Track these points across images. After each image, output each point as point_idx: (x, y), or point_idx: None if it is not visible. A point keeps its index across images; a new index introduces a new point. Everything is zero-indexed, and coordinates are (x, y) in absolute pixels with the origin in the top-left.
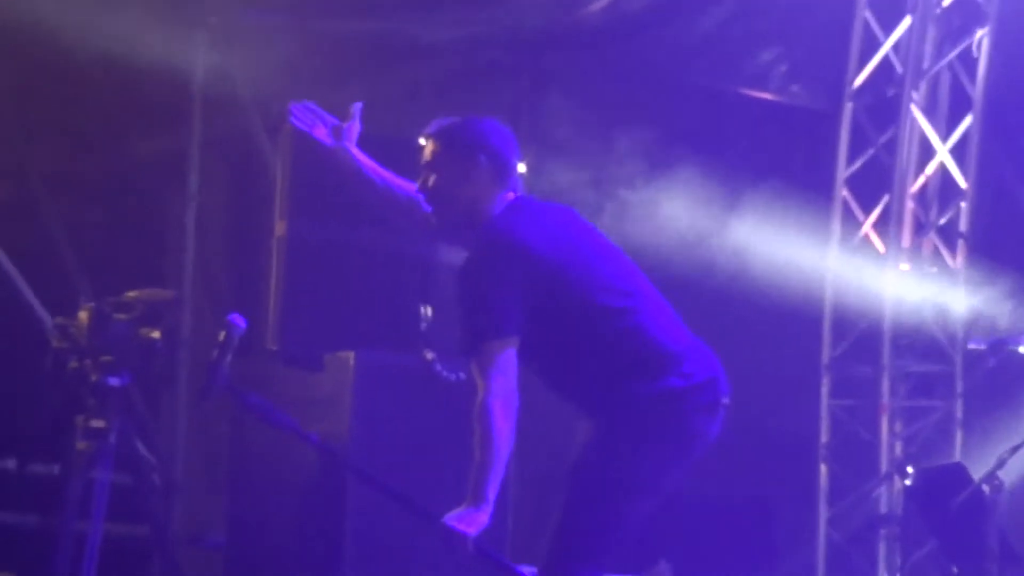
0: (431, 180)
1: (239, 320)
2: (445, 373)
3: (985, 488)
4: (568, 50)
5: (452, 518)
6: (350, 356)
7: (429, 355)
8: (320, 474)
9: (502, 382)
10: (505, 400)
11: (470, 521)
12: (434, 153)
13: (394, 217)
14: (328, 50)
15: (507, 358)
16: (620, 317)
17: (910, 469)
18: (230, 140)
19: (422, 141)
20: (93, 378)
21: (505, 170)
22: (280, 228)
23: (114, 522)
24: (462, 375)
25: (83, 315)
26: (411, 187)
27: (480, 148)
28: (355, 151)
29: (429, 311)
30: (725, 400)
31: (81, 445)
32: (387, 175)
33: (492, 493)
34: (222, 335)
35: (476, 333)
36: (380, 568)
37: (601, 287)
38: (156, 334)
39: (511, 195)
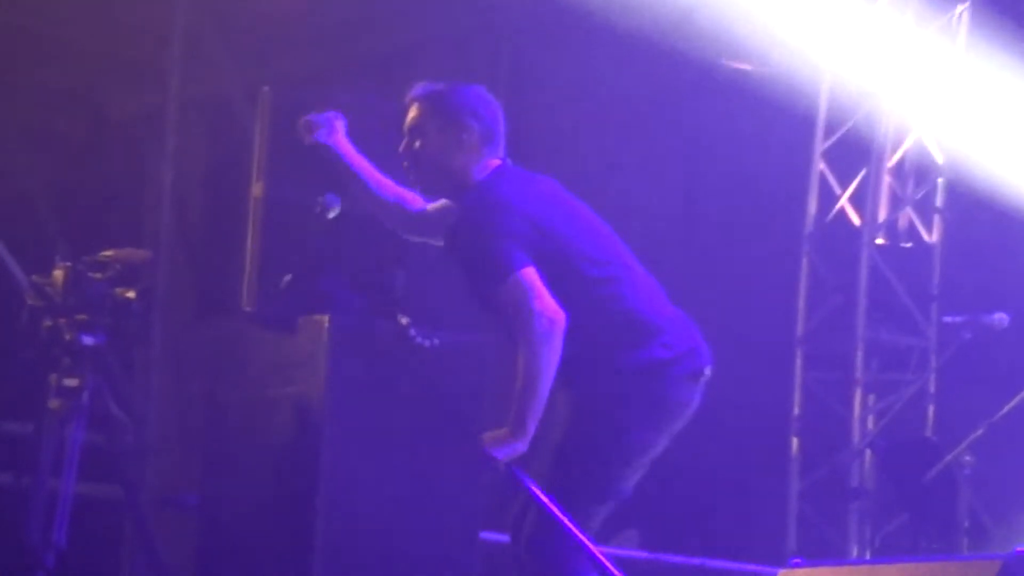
0: (416, 144)
1: (334, 199)
2: (420, 339)
3: (956, 463)
4: (547, 16)
5: (490, 441)
6: (324, 319)
7: (404, 320)
8: (294, 435)
9: (540, 303)
10: (550, 320)
11: (506, 449)
12: (421, 117)
13: (380, 216)
14: (308, 10)
15: (534, 282)
16: (603, 286)
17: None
18: (208, 100)
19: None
20: (67, 337)
21: (493, 137)
22: (257, 189)
23: (87, 481)
24: (436, 341)
25: (59, 273)
26: (398, 188)
27: (470, 114)
28: (342, 146)
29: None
30: (707, 370)
31: (54, 404)
32: (375, 174)
33: (533, 424)
34: (318, 208)
35: (492, 278)
36: (353, 532)
37: (584, 256)
38: (131, 294)
39: (495, 162)
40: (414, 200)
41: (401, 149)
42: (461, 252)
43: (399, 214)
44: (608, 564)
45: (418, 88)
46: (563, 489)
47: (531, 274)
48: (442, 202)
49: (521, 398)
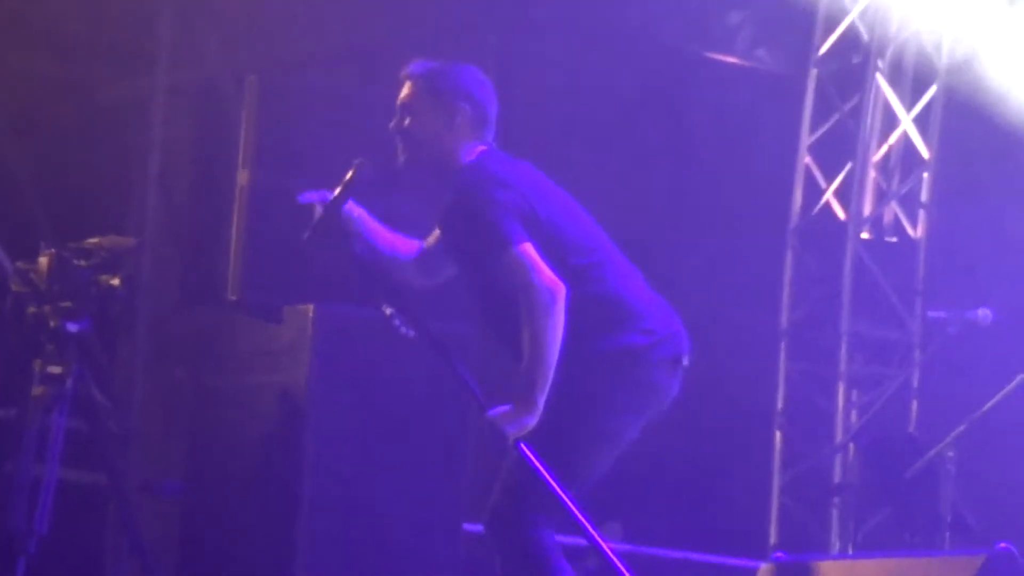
0: (407, 121)
1: (368, 165)
2: (404, 328)
3: (939, 458)
4: (534, 9)
5: (499, 416)
6: (309, 308)
7: (388, 310)
8: (278, 423)
9: (540, 277)
10: (551, 292)
11: (515, 423)
12: (415, 95)
13: (397, 275)
14: None
15: (533, 256)
16: (584, 271)
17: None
18: (196, 88)
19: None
20: (52, 324)
21: (485, 121)
22: (243, 177)
23: (70, 468)
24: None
25: (44, 260)
26: (393, 242)
27: (465, 97)
28: (355, 215)
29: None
30: (685, 358)
31: (38, 390)
32: (389, 237)
33: (542, 397)
34: (349, 175)
35: (489, 253)
36: (335, 521)
37: (566, 240)
38: (116, 281)
39: (482, 146)
40: (405, 244)
41: (391, 125)
42: (455, 232)
43: (404, 267)
44: (606, 548)
45: (414, 65)
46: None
47: (529, 249)
48: (435, 233)
49: (528, 372)
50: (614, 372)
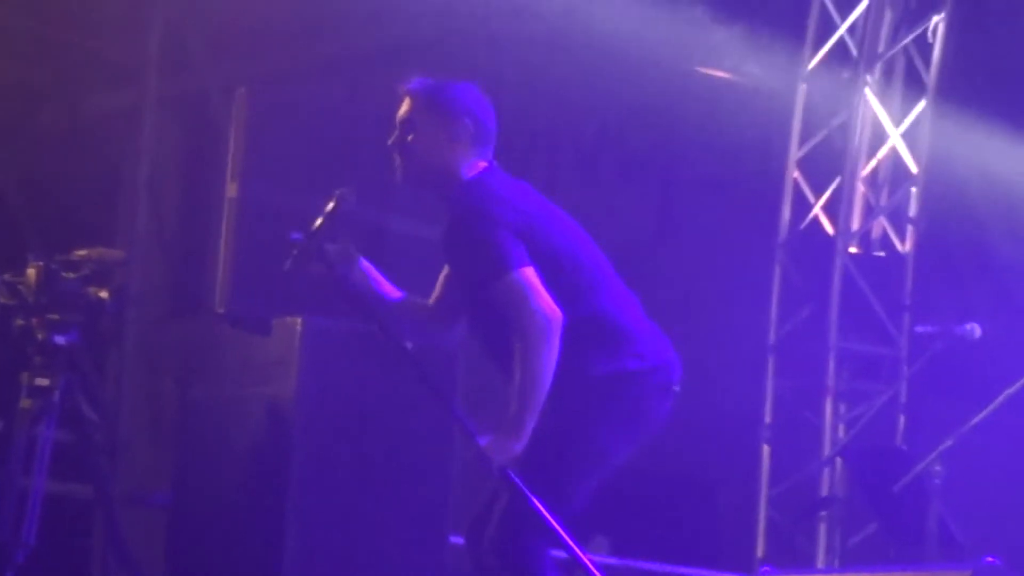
0: (408, 138)
1: (351, 195)
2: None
3: (926, 472)
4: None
5: (486, 444)
6: (297, 321)
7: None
8: (266, 434)
9: (539, 302)
10: (548, 319)
11: (502, 450)
12: (414, 112)
13: (408, 328)
14: (286, 8)
15: (532, 281)
16: (581, 292)
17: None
18: (185, 99)
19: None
20: (39, 336)
21: (486, 137)
22: (232, 189)
23: (57, 480)
24: (409, 343)
25: (31, 272)
26: (421, 302)
27: (466, 112)
28: (362, 271)
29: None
30: (676, 386)
31: (26, 403)
32: (395, 293)
33: (530, 424)
34: (330, 205)
35: (489, 274)
36: (322, 533)
37: (563, 262)
38: (104, 293)
39: (483, 163)
40: (413, 300)
41: (391, 141)
42: (455, 251)
43: (423, 319)
44: (593, 568)
45: (413, 81)
46: (531, 488)
47: (530, 273)
48: (443, 272)
49: (519, 398)
50: (607, 397)
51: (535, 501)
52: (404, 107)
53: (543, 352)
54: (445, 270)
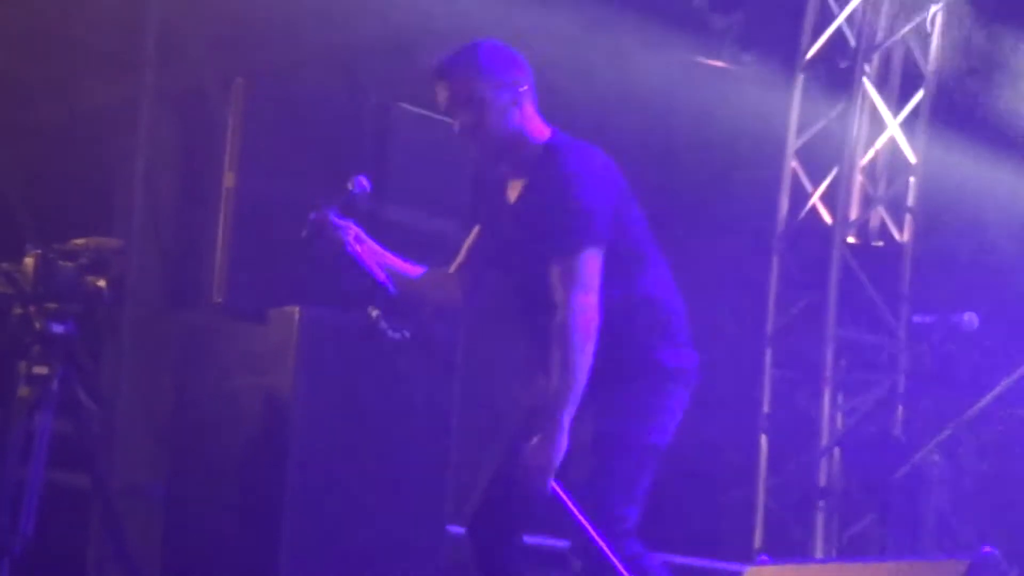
0: (470, 118)
1: (364, 182)
2: (390, 332)
3: (924, 462)
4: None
5: (531, 453)
6: (295, 311)
7: (374, 312)
8: (263, 426)
9: (583, 299)
10: (585, 317)
11: (547, 455)
12: (464, 91)
13: (418, 303)
14: (283, 1)
15: (592, 272)
16: (648, 272)
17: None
18: (182, 91)
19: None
20: (37, 325)
21: (533, 88)
22: (229, 180)
23: (55, 469)
24: (407, 333)
25: (29, 261)
26: (417, 269)
27: (517, 67)
28: (369, 249)
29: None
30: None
31: (23, 391)
32: (398, 264)
33: (568, 419)
34: (349, 185)
35: (569, 237)
36: (320, 523)
37: (637, 245)
38: (102, 283)
39: (546, 127)
40: (413, 269)
41: (457, 129)
42: (533, 210)
43: (441, 288)
44: None
45: (442, 63)
46: (613, 479)
47: (593, 259)
48: (466, 244)
49: (556, 394)
50: (666, 388)
51: (582, 519)
52: (445, 92)
53: (585, 348)
54: (472, 235)
